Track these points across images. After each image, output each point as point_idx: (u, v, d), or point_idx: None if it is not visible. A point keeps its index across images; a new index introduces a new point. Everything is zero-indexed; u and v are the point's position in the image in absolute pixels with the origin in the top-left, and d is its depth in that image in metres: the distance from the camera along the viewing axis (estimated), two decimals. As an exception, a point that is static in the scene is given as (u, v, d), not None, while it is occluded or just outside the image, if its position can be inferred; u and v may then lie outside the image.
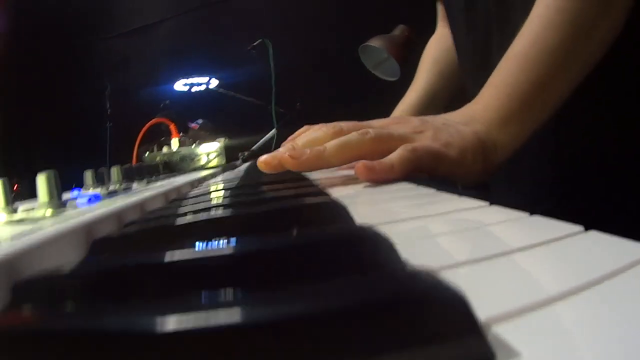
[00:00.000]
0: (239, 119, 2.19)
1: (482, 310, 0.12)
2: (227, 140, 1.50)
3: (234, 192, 0.38)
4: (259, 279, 0.15)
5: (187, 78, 2.62)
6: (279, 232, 0.21)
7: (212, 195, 0.38)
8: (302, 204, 0.23)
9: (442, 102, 1.02)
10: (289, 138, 0.54)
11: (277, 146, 0.47)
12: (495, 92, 0.51)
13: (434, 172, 0.44)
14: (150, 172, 0.74)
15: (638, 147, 0.58)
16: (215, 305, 0.10)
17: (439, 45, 1.02)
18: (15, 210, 0.37)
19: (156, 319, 0.10)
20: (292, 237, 0.16)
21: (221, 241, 0.16)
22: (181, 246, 0.16)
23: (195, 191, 0.45)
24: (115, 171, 0.61)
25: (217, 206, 0.27)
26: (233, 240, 0.16)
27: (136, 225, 0.26)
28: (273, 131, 1.77)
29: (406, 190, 0.37)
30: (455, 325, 0.10)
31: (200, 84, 2.62)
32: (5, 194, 0.35)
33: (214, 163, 0.89)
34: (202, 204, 0.30)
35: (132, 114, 2.62)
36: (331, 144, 0.44)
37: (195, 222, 0.22)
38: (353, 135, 0.44)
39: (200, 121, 1.84)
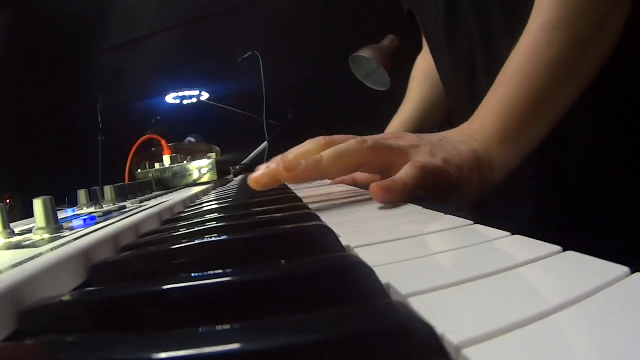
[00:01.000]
0: (230, 131, 2.19)
1: (456, 335, 0.13)
2: (218, 155, 1.50)
3: (225, 215, 0.39)
4: (246, 309, 0.16)
5: (179, 91, 2.63)
6: (268, 258, 0.22)
7: (204, 217, 0.39)
8: (291, 230, 0.24)
9: (436, 115, 1.01)
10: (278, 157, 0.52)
11: (269, 159, 0.45)
12: (493, 109, 0.49)
13: (433, 191, 0.43)
14: (143, 190, 0.75)
15: None
16: (201, 338, 0.11)
17: (428, 59, 0.98)
18: (13, 233, 0.37)
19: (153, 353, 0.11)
20: (276, 269, 0.17)
21: (210, 272, 0.17)
22: (173, 276, 0.17)
23: (188, 212, 0.46)
24: (109, 190, 0.62)
25: (208, 231, 0.28)
26: (222, 271, 0.17)
27: (131, 253, 0.27)
28: (265, 144, 1.78)
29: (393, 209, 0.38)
30: (424, 353, 0.11)
31: (191, 97, 2.63)
32: (2, 218, 0.36)
33: (206, 178, 0.90)
34: (194, 228, 0.31)
35: (124, 127, 2.63)
36: (328, 153, 0.42)
37: (187, 248, 0.24)
38: (351, 144, 0.43)
39: (192, 139, 1.84)
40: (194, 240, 0.24)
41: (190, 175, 0.90)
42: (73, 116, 2.90)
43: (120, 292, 0.17)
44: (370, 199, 0.44)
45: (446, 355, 0.12)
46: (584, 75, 0.49)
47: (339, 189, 0.61)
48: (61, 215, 0.53)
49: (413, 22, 0.90)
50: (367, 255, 0.22)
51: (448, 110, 1.00)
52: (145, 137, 1.10)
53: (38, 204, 0.34)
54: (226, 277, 0.16)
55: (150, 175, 0.89)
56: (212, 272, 0.17)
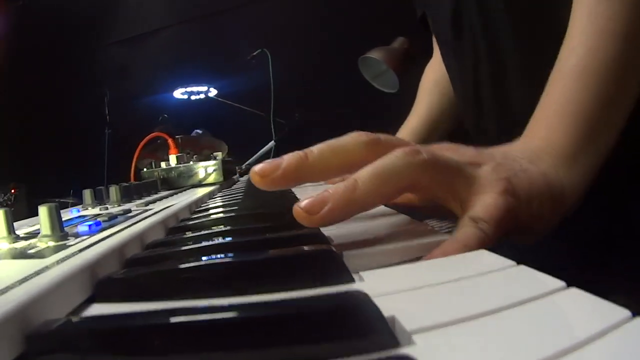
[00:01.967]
0: (237, 129, 2.20)
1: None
2: (225, 152, 1.50)
3: (231, 228, 0.39)
4: (248, 340, 0.16)
5: (186, 87, 2.64)
6: (274, 281, 0.22)
7: (210, 230, 0.39)
8: (301, 254, 0.24)
9: (447, 122, 0.98)
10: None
11: (275, 157, 0.36)
12: (556, 116, 0.42)
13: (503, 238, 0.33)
14: (148, 190, 0.75)
15: None
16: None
17: (438, 67, 0.99)
18: (17, 238, 0.38)
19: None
20: (279, 306, 0.17)
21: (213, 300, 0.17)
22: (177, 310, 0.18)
23: (193, 221, 0.46)
24: (113, 191, 0.62)
25: (217, 249, 0.28)
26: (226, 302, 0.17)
27: (135, 270, 0.28)
28: (271, 143, 1.78)
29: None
30: None
31: (199, 93, 2.64)
32: (7, 224, 0.36)
33: (211, 179, 0.91)
34: (200, 242, 0.31)
35: (130, 120, 2.64)
36: (365, 174, 0.30)
37: (193, 268, 0.24)
38: (399, 157, 0.31)
39: (199, 130, 1.85)
40: (198, 261, 0.25)
41: (196, 175, 0.90)
42: (79, 108, 2.92)
43: (127, 323, 0.18)
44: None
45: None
46: None
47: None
48: (66, 215, 0.54)
49: (426, 27, 0.89)
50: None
51: (456, 117, 1.00)
52: (151, 135, 1.11)
53: (43, 212, 0.34)
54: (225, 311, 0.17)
55: (156, 174, 0.89)
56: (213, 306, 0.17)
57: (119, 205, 0.60)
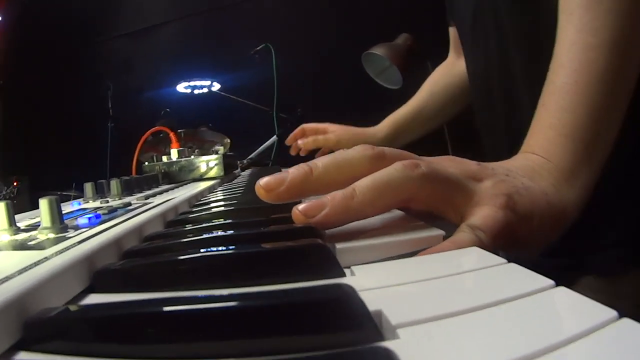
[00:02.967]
0: (240, 124, 2.20)
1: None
2: (227, 147, 1.51)
3: (230, 221, 0.39)
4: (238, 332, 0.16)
5: (190, 81, 2.64)
6: (269, 272, 0.22)
7: (209, 223, 0.39)
8: (293, 247, 0.25)
9: (428, 121, 1.08)
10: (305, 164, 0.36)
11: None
12: (553, 133, 0.42)
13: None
14: (149, 184, 0.75)
15: None
16: None
17: (442, 70, 1.07)
18: (18, 230, 0.38)
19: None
20: (272, 297, 0.17)
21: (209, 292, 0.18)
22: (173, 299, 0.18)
23: (191, 215, 0.46)
24: (115, 184, 0.62)
25: (212, 242, 0.29)
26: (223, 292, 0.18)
27: (132, 261, 0.28)
28: (274, 138, 1.78)
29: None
30: None
31: (202, 87, 2.64)
32: (8, 216, 0.37)
33: (212, 173, 0.91)
34: (197, 235, 0.32)
35: (133, 114, 2.65)
36: (364, 184, 0.32)
37: (188, 260, 0.24)
38: (398, 170, 0.32)
39: (202, 128, 1.85)
40: (193, 253, 0.25)
41: (198, 169, 0.91)
42: (82, 102, 2.93)
43: (121, 311, 0.18)
44: None
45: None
46: (631, 79, 0.44)
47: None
48: (67, 208, 0.54)
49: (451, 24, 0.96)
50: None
51: (445, 118, 1.10)
52: (153, 129, 1.11)
53: (44, 204, 0.35)
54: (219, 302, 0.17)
55: (157, 168, 0.89)
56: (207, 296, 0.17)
57: (120, 199, 0.61)
